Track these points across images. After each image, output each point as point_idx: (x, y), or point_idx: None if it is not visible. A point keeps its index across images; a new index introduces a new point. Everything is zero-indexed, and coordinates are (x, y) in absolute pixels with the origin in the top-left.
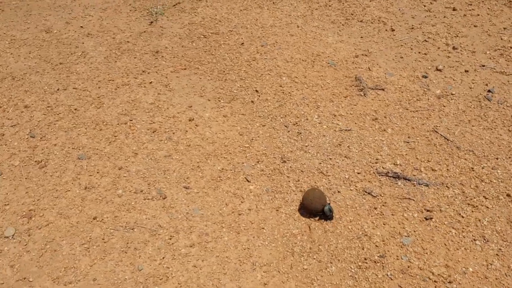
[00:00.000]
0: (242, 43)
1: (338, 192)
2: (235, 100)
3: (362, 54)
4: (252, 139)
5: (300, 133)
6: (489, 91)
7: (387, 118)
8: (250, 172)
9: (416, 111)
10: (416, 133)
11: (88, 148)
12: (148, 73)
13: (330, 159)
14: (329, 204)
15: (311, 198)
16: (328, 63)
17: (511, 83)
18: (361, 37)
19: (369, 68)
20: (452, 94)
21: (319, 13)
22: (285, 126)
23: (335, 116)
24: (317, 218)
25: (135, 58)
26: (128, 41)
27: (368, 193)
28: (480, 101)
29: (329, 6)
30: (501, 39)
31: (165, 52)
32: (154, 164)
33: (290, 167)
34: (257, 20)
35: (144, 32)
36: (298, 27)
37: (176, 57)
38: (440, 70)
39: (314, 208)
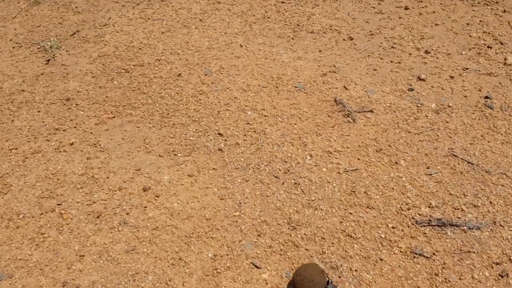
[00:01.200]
0: (179, 74)
1: (381, 260)
2: (196, 150)
3: (330, 71)
4: (240, 204)
5: (298, 183)
6: (486, 97)
7: (392, 147)
8: (255, 253)
9: (421, 132)
10: (434, 160)
11: (6, 261)
12: (63, 130)
13: (351, 213)
14: (331, 282)
15: (304, 280)
16: (295, 86)
17: (503, 84)
18: (320, 51)
19: (344, 87)
20: (449, 107)
21: (260, 27)
22: (275, 176)
23: (330, 153)
24: None
25: (39, 112)
26: (22, 90)
27: (419, 254)
28: (482, 111)
29: (268, 18)
30: (470, 36)
31: (79, 98)
32: (114, 267)
33: (305, 234)
34: (187, 43)
35: (42, 74)
36: (241, 46)
37: (97, 103)
38: (423, 80)
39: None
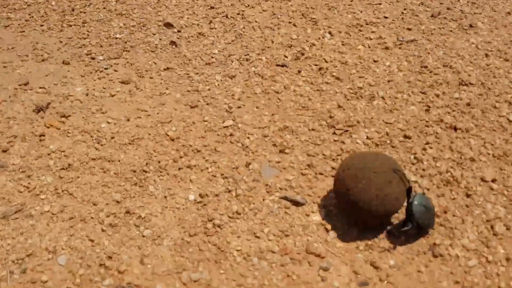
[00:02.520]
0: None
1: None
2: (129, 50)
3: None
4: (230, 109)
5: (325, 68)
6: None
7: (452, 10)
8: (284, 181)
9: None
10: None
11: None
12: None
13: (437, 96)
14: (421, 193)
15: (364, 182)
16: None
17: None
18: None
19: None
20: None
21: None
22: (281, 65)
23: (361, 27)
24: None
25: None
26: None
27: None
28: None
29: None
30: None
31: None
32: None
33: (368, 137)
34: None
35: None
36: None
37: None
38: None
39: (379, 209)
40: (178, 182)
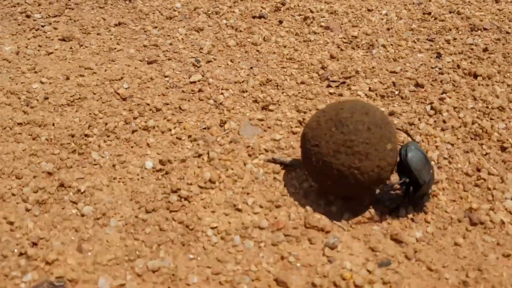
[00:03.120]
0: None
1: None
2: (72, 8)
3: None
4: (198, 63)
5: (311, 18)
6: None
7: None
8: (270, 141)
9: None
10: None
11: None
12: None
13: (448, 43)
14: (413, 145)
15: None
16: None
17: None
18: None
19: None
20: None
21: None
22: (259, 17)
23: None
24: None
25: None
26: None
27: None
28: None
29: None
30: None
31: None
32: None
33: (372, 89)
34: None
35: None
36: None
37: None
38: None
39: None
40: (132, 147)
